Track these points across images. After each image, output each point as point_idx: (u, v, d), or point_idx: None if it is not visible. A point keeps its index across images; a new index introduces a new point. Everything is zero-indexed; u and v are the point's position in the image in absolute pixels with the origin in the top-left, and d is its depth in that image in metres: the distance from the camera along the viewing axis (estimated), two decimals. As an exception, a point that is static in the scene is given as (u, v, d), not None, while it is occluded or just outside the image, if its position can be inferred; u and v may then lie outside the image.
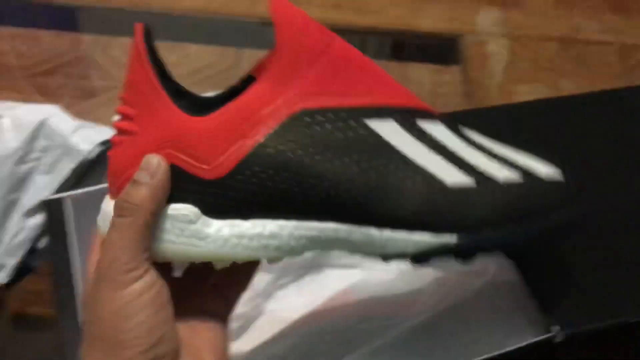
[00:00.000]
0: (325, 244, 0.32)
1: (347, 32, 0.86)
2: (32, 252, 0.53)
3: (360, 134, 0.31)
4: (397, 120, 0.32)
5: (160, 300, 0.28)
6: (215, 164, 0.29)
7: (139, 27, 0.32)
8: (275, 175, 0.30)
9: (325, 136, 0.30)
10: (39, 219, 0.51)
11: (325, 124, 0.30)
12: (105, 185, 0.46)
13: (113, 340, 0.27)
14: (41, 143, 0.50)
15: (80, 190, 0.44)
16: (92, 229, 0.47)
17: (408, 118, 0.32)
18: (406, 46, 0.86)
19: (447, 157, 0.33)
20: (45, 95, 0.73)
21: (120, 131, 0.32)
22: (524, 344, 0.38)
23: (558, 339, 0.38)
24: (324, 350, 0.44)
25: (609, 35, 0.88)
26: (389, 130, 0.31)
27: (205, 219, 0.30)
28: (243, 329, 0.50)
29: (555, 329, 0.38)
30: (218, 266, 0.32)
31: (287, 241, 0.31)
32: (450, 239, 0.32)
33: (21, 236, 0.51)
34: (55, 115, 0.51)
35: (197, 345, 0.30)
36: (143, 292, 0.28)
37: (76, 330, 0.38)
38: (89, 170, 0.51)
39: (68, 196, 0.44)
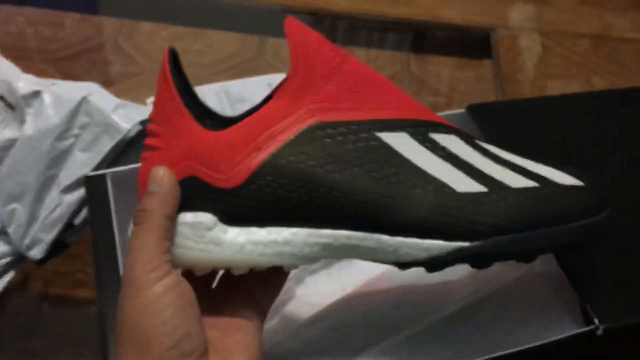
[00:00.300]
0: (338, 251, 0.33)
1: (376, 23, 0.86)
2: (68, 228, 0.54)
3: (371, 144, 0.32)
4: (409, 133, 0.33)
5: (184, 300, 0.30)
6: (230, 174, 0.31)
7: (166, 51, 0.35)
8: (288, 184, 0.31)
9: (336, 148, 0.32)
10: (76, 195, 0.52)
11: (337, 137, 0.32)
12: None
13: (140, 339, 0.28)
14: (81, 120, 0.51)
15: (121, 168, 0.45)
16: (130, 207, 0.47)
17: (420, 130, 0.33)
18: (427, 39, 0.85)
19: (459, 166, 0.33)
20: (69, 80, 0.74)
21: (149, 147, 0.34)
22: (563, 336, 0.38)
23: (599, 333, 0.38)
24: (357, 336, 0.44)
25: (641, 34, 0.87)
26: (400, 142, 0.32)
27: (222, 226, 0.32)
28: (275, 312, 0.50)
29: (596, 322, 0.38)
30: (236, 272, 0.33)
31: (301, 248, 0.32)
32: (462, 245, 0.32)
33: (58, 212, 0.52)
34: (96, 93, 0.51)
35: (228, 346, 0.32)
36: (166, 291, 0.29)
37: (116, 305, 0.39)
38: (128, 149, 0.52)
39: (109, 173, 0.44)
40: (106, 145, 0.51)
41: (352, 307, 0.47)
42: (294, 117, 0.32)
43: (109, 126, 0.50)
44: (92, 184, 0.44)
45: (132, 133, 0.51)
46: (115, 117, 0.51)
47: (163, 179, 0.31)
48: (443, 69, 0.79)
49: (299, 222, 0.32)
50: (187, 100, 0.34)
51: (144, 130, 0.53)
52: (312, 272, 0.51)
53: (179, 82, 0.34)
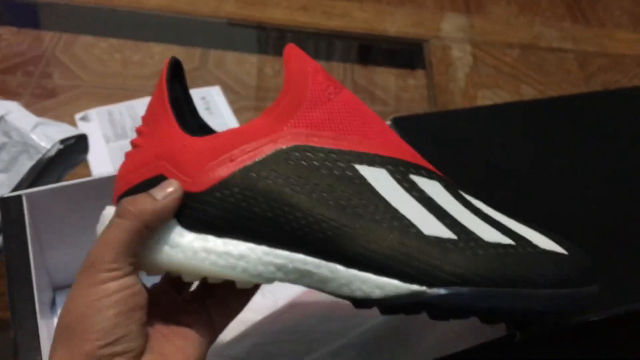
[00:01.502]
0: (292, 275, 0.32)
1: (314, 36, 0.86)
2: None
3: (346, 174, 0.32)
4: (388, 170, 0.33)
5: (132, 303, 0.30)
6: (197, 179, 0.32)
7: (167, 62, 0.36)
8: (252, 198, 0.31)
9: (310, 172, 0.32)
10: (-6, 217, 0.50)
11: (313, 161, 0.32)
12: (63, 184, 0.45)
13: (77, 332, 0.29)
14: (-1, 140, 0.49)
15: (38, 189, 0.43)
16: (48, 228, 0.46)
17: (401, 170, 0.33)
18: (372, 50, 0.87)
19: (431, 209, 0.32)
20: (5, 93, 0.72)
21: (133, 145, 0.35)
22: (481, 342, 0.39)
23: (517, 339, 0.38)
24: (285, 351, 0.44)
25: (568, 43, 0.90)
26: (377, 177, 0.32)
27: (180, 229, 0.32)
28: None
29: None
30: (186, 278, 0.32)
31: (254, 265, 0.31)
32: (419, 289, 0.31)
33: (-24, 235, 0.50)
34: (14, 112, 0.49)
35: (165, 350, 0.31)
36: (116, 291, 0.29)
37: (32, 332, 0.37)
38: (47, 169, 0.50)
39: (25, 194, 0.43)
40: (25, 165, 0.49)
41: (280, 321, 0.47)
42: (275, 136, 0.32)
43: (27, 145, 0.49)
44: (8, 206, 0.43)
45: (52, 152, 0.50)
46: (34, 137, 0.49)
47: (170, 194, 0.31)
48: (388, 79, 0.81)
49: (257, 238, 0.31)
50: (182, 108, 0.35)
51: (64, 149, 0.52)
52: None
53: (178, 90, 0.36)
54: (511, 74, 0.84)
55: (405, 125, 0.52)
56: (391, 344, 0.43)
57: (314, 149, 0.32)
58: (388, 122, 0.53)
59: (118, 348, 0.29)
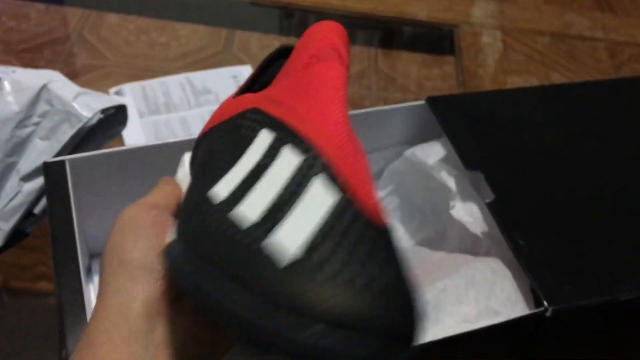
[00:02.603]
0: None
1: (337, 18, 0.87)
2: (27, 217, 0.53)
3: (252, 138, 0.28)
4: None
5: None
6: None
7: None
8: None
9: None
10: (36, 183, 0.51)
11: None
12: (104, 151, 0.46)
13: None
14: (41, 108, 0.50)
15: (80, 155, 0.44)
16: (87, 194, 0.47)
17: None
18: (397, 35, 0.87)
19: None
20: (33, 71, 0.73)
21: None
22: (512, 317, 0.39)
23: (548, 315, 0.39)
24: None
25: (599, 32, 0.90)
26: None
27: None
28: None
29: (545, 304, 0.39)
30: None
31: None
32: None
33: (17, 200, 0.51)
34: (56, 81, 0.50)
35: None
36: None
37: (75, 291, 0.38)
38: (87, 137, 0.51)
39: (69, 159, 0.44)
40: (66, 133, 0.50)
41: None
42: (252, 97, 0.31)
43: (69, 114, 0.50)
44: (51, 171, 0.44)
45: (93, 121, 0.51)
46: (76, 105, 0.50)
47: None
48: (410, 66, 0.81)
49: None
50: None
51: (105, 119, 0.53)
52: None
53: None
54: (541, 62, 0.83)
55: (439, 105, 0.53)
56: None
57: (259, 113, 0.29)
58: (422, 102, 0.54)
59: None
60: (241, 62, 0.78)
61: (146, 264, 0.28)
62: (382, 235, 0.24)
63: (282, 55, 0.36)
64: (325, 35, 0.32)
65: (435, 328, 0.40)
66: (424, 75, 0.79)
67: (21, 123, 0.50)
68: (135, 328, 0.27)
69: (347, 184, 0.25)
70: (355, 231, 0.24)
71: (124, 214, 0.30)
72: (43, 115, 0.50)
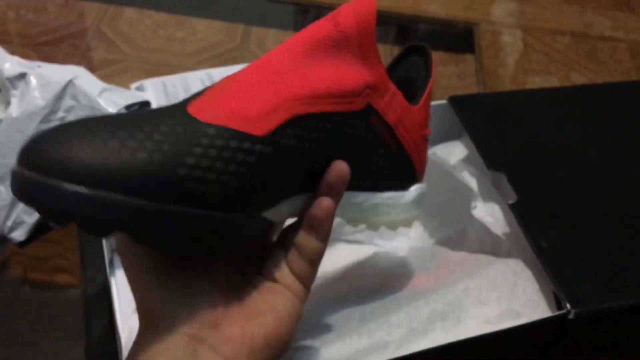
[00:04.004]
0: None
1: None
2: (51, 211, 0.54)
3: None
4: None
5: None
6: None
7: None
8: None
9: None
10: (61, 177, 0.52)
11: None
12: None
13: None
14: (67, 103, 0.51)
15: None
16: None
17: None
18: (414, 34, 0.87)
19: None
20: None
21: None
22: (534, 320, 0.39)
23: (571, 317, 0.39)
24: (337, 318, 0.45)
25: (620, 32, 0.89)
26: None
27: None
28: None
29: (568, 306, 0.39)
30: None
31: None
32: None
33: (41, 194, 0.52)
34: (82, 76, 0.51)
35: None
36: None
37: (100, 285, 0.39)
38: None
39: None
40: (91, 128, 0.51)
41: (329, 293, 0.47)
42: None
43: (94, 110, 0.50)
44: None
45: (118, 117, 0.51)
46: (101, 101, 0.51)
47: None
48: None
49: None
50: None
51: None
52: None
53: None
54: (561, 61, 0.83)
55: (461, 104, 0.53)
56: (445, 319, 0.43)
57: None
58: (444, 101, 0.54)
59: None
60: (257, 58, 0.79)
61: None
62: None
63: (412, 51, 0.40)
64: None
65: (456, 329, 0.40)
66: (439, 73, 0.79)
67: (47, 118, 0.51)
68: None
69: None
70: None
71: None
72: (68, 111, 0.51)
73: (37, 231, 0.54)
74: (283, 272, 0.34)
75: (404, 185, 0.40)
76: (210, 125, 0.29)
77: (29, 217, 0.53)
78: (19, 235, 0.53)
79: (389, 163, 0.38)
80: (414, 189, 0.40)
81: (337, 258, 0.51)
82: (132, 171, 0.26)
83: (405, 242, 0.56)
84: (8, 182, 0.52)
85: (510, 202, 0.45)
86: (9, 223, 0.53)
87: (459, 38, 0.86)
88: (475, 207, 0.48)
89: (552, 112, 0.54)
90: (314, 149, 0.32)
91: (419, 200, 0.41)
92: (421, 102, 0.39)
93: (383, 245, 0.56)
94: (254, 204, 0.30)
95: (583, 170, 0.49)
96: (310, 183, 0.33)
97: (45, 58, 0.74)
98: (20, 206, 0.53)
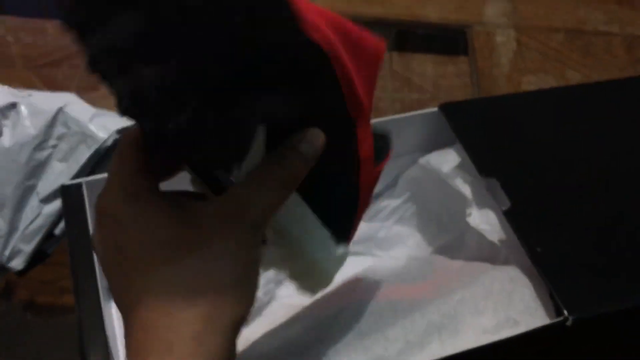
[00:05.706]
0: None
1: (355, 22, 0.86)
2: (48, 238, 0.54)
3: None
4: None
5: None
6: None
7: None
8: None
9: None
10: (55, 205, 0.52)
11: None
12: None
13: None
14: (58, 130, 0.51)
15: (97, 176, 0.45)
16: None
17: None
18: (410, 37, 0.86)
19: None
20: (51, 87, 0.74)
21: None
22: (533, 327, 0.39)
23: (568, 324, 0.39)
24: (334, 334, 0.45)
25: (615, 27, 0.89)
26: None
27: None
28: (256, 313, 0.50)
29: (566, 313, 0.38)
30: None
31: None
32: None
33: (38, 222, 0.52)
34: (72, 103, 0.51)
35: None
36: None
37: (95, 314, 0.39)
38: (105, 158, 0.52)
39: (86, 181, 0.45)
40: (84, 154, 0.51)
41: (328, 307, 0.47)
42: None
43: (85, 136, 0.51)
44: (69, 193, 0.45)
45: (109, 142, 0.51)
46: (92, 127, 0.51)
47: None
48: (425, 66, 0.80)
49: None
50: None
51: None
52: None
53: None
54: (556, 59, 0.83)
55: (453, 111, 0.53)
56: (443, 329, 0.43)
57: None
58: (435, 109, 0.54)
59: None
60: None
61: None
62: None
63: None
64: None
65: (454, 340, 0.40)
66: (439, 74, 0.79)
67: (39, 146, 0.51)
68: None
69: None
70: None
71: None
72: (60, 138, 0.51)
73: (35, 259, 0.55)
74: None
75: (338, 233, 0.37)
76: None
77: (26, 245, 0.53)
78: (17, 264, 0.54)
79: (347, 197, 0.37)
80: (342, 249, 0.38)
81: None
82: None
83: (403, 251, 0.56)
84: (4, 212, 0.53)
85: (504, 208, 0.45)
86: (7, 252, 0.53)
87: (456, 40, 0.86)
88: (470, 214, 0.48)
89: (544, 116, 0.54)
90: None
91: (339, 263, 0.38)
92: (380, 167, 0.38)
93: (382, 255, 0.56)
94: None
95: (576, 174, 0.49)
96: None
97: (45, 79, 0.74)
98: (17, 235, 0.53)
